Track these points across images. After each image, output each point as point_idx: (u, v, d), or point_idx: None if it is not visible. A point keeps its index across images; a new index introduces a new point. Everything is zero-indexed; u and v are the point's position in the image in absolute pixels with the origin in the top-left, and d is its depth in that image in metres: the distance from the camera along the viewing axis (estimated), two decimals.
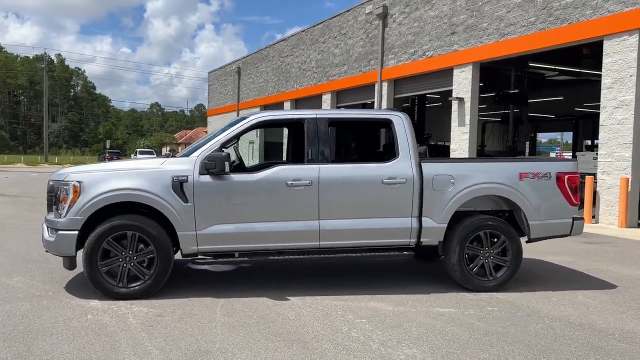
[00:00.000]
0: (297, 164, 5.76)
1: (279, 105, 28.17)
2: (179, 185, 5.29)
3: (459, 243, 5.79)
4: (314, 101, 24.62)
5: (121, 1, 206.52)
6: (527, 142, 17.00)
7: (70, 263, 5.36)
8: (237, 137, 5.70)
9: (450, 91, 16.97)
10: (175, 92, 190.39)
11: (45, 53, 65.16)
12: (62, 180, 5.34)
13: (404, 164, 5.73)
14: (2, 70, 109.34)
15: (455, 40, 16.66)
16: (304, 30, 25.92)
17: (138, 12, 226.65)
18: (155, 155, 53.14)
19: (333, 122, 5.93)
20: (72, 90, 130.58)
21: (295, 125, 6.22)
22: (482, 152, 25.19)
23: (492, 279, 5.87)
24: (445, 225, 5.78)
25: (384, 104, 19.95)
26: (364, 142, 7.35)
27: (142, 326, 4.52)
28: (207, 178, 5.37)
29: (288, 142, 7.27)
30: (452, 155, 16.80)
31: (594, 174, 12.72)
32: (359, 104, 21.63)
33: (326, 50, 23.83)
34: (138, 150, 58.52)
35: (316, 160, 5.62)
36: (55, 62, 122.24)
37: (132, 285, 5.30)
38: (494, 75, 19.89)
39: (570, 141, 34.33)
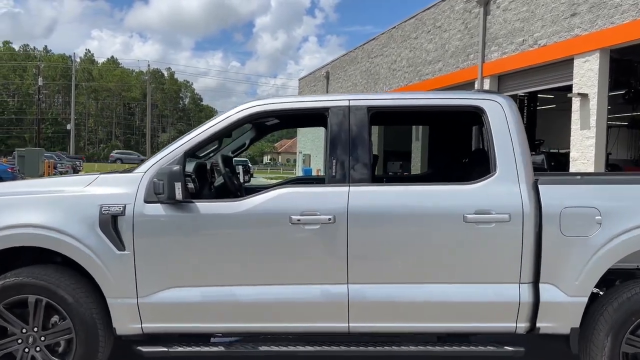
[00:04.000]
0: (312, 185, 3.39)
1: None
2: (110, 220, 3.16)
3: (611, 331, 3.15)
4: None
5: (233, 18, 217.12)
6: None
7: None
8: (216, 137, 3.46)
9: (570, 86, 13.73)
10: None
11: (149, 67, 68.09)
12: None
13: (505, 187, 3.19)
14: (119, 84, 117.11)
15: (576, 23, 13.44)
16: (394, 27, 23.53)
17: (248, 28, 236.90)
18: (250, 166, 52.58)
19: (378, 114, 3.48)
20: (181, 102, 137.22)
21: (317, 120, 3.84)
22: (606, 163, 21.14)
23: None
24: (586, 298, 3.15)
25: None
26: (433, 147, 4.74)
27: None
28: (156, 209, 3.20)
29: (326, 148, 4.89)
30: (571, 166, 13.50)
31: None
32: None
33: (418, 47, 21.25)
34: (234, 159, 58.26)
35: (344, 179, 3.23)
36: (166, 76, 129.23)
37: None
38: (624, 69, 16.17)
39: None
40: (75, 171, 38.61)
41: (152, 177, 3.24)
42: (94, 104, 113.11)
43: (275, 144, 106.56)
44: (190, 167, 3.46)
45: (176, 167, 3.08)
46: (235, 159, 4.93)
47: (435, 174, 4.69)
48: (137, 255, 3.20)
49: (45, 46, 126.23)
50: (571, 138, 13.68)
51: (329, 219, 3.17)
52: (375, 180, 3.39)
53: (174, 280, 3.23)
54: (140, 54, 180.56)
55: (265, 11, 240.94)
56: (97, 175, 3.39)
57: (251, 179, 5.09)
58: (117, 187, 3.29)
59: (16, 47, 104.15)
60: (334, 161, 3.29)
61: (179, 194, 3.06)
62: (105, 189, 3.29)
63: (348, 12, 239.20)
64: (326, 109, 3.41)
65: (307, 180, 4.96)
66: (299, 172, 37.06)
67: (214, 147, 3.98)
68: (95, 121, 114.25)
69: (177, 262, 3.22)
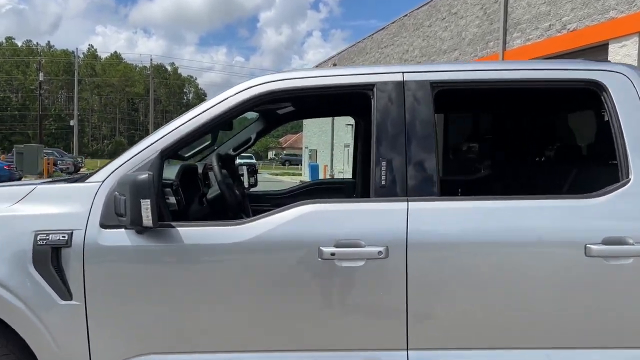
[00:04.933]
0: (351, 199, 2.35)
1: None
2: (49, 255, 2.09)
3: None
4: None
5: (237, 13, 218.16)
6: None
7: None
8: (208, 129, 2.39)
9: None
10: None
11: (151, 61, 67.30)
12: None
13: None
14: (122, 79, 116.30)
15: (611, 5, 12.31)
16: (406, 15, 22.43)
17: (252, 23, 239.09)
18: (254, 162, 51.28)
19: (445, 93, 2.36)
20: (185, 97, 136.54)
21: (351, 104, 2.76)
22: None
23: None
24: None
25: None
26: (526, 141, 3.61)
27: None
28: (118, 237, 2.13)
29: (355, 145, 3.78)
30: None
31: None
32: None
33: (432, 35, 20.13)
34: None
35: (399, 191, 2.16)
36: (169, 71, 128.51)
37: None
38: None
39: None
40: (77, 169, 37.45)
41: (113, 190, 2.16)
42: (98, 100, 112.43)
43: (280, 139, 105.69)
44: (171, 172, 2.39)
45: (143, 176, 2.00)
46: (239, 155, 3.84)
47: (499, 178, 3.56)
48: (90, 307, 2.14)
49: (48, 42, 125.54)
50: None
51: (379, 252, 2.09)
52: (445, 190, 2.29)
53: (146, 344, 2.17)
54: (144, 50, 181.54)
55: (270, 6, 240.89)
56: (33, 186, 2.32)
57: (257, 177, 3.98)
58: (61, 205, 2.22)
59: (19, 43, 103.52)
60: (383, 164, 2.20)
61: (147, 217, 1.99)
62: (43, 208, 2.22)
63: (352, 6, 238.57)
64: (369, 86, 2.32)
65: (332, 185, 3.84)
66: (305, 168, 35.98)
67: (206, 144, 2.89)
68: (99, 117, 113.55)
69: (150, 318, 2.16)
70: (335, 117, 29.37)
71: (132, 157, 2.27)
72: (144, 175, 2.02)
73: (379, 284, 2.13)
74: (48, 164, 31.32)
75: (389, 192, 2.20)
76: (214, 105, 2.34)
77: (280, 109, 3.47)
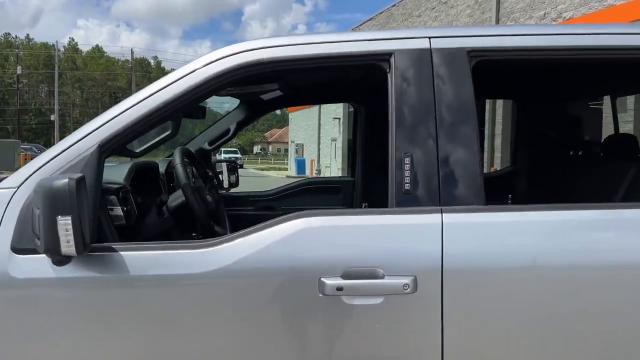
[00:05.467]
0: (363, 210, 1.74)
1: None
2: None
3: None
4: None
5: (221, 7, 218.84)
6: None
7: None
8: (168, 113, 1.73)
9: None
10: None
11: (132, 53, 66.23)
12: None
13: None
14: (104, 73, 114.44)
15: None
16: (394, 5, 21.95)
17: (236, 16, 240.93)
18: (239, 156, 50.40)
19: (485, 65, 1.74)
20: None
21: (361, 82, 2.14)
22: None
23: None
24: None
25: None
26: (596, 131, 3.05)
27: None
28: (37, 266, 1.48)
29: (354, 137, 3.15)
30: None
31: None
32: None
33: (422, 26, 19.64)
34: (222, 149, 56.48)
35: (428, 198, 1.52)
36: (153, 64, 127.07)
37: None
38: None
39: None
40: None
41: (30, 202, 1.54)
42: (79, 94, 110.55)
43: (265, 134, 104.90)
44: (117, 173, 1.77)
45: (61, 182, 1.38)
46: (223, 149, 3.18)
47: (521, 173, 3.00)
48: None
49: (27, 35, 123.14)
50: (604, 123, 12.14)
51: (405, 286, 1.50)
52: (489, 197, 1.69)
53: None
54: (127, 44, 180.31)
55: None
56: None
57: (239, 175, 3.29)
58: None
59: None
60: (407, 161, 1.60)
61: (68, 243, 1.37)
62: None
63: (338, 0, 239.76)
64: (385, 55, 1.71)
65: (326, 185, 3.18)
66: (291, 163, 35.32)
67: (165, 135, 2.24)
68: (81, 112, 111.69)
69: None
70: (322, 111, 28.76)
71: (59, 153, 1.64)
72: (62, 181, 1.38)
73: (403, 328, 1.54)
74: (26, 159, 30.46)
75: (415, 201, 1.60)
76: (176, 81, 1.71)
77: (265, 93, 2.83)
